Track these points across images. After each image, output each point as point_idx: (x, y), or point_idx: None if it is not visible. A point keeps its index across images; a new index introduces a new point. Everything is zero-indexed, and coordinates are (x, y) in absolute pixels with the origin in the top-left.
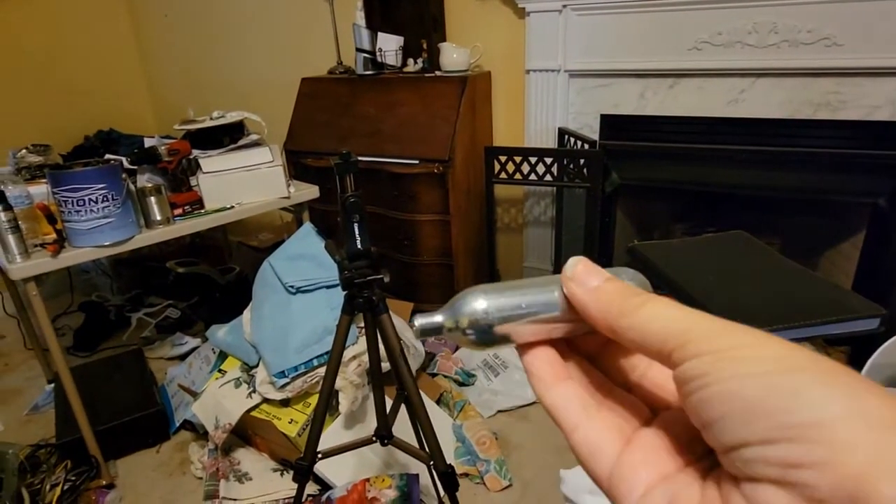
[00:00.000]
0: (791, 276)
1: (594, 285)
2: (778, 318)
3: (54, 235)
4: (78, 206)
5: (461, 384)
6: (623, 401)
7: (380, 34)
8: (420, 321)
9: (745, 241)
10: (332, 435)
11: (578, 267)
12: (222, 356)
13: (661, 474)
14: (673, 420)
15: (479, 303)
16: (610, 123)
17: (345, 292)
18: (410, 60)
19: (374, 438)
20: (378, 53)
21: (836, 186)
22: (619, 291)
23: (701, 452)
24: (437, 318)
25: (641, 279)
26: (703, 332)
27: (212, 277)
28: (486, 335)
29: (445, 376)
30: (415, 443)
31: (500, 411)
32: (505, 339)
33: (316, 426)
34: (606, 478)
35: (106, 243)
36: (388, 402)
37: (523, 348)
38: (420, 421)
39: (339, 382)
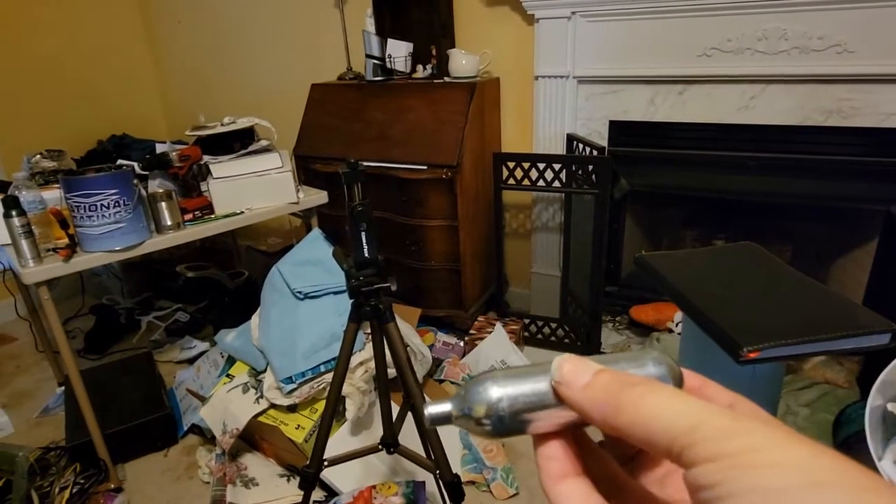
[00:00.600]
0: (801, 289)
1: (584, 382)
2: (788, 333)
3: (66, 240)
4: (90, 211)
5: None
6: (634, 500)
7: (389, 40)
8: (430, 410)
9: (754, 253)
10: (339, 441)
11: (565, 367)
12: (230, 361)
13: None
14: None
15: (493, 391)
16: (619, 129)
17: (352, 300)
18: (420, 66)
19: (380, 447)
20: (387, 59)
21: (848, 193)
22: (612, 385)
23: None
24: (448, 407)
25: (667, 366)
26: (714, 431)
27: (221, 282)
28: (501, 425)
29: (453, 382)
30: (421, 451)
31: None
32: (519, 430)
33: (322, 433)
34: None
35: (117, 248)
36: (395, 409)
37: (537, 439)
38: (426, 431)
39: (345, 388)
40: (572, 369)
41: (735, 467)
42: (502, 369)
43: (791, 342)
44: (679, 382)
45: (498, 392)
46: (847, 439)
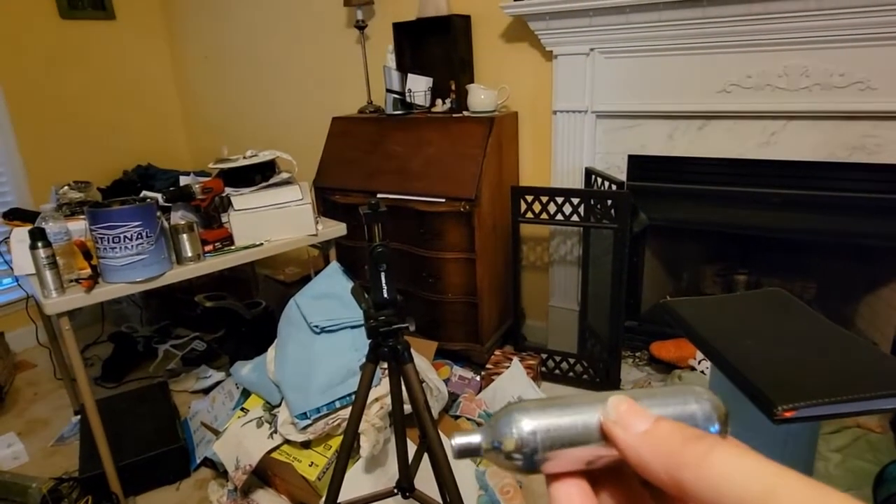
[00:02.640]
0: (835, 341)
1: (643, 429)
2: (825, 390)
3: (89, 271)
4: (113, 242)
5: None
6: None
7: (409, 75)
8: (458, 441)
9: (783, 300)
10: (353, 478)
11: (622, 407)
12: (245, 393)
13: None
14: None
15: (525, 423)
16: (638, 164)
17: (370, 340)
18: (439, 101)
19: (395, 490)
20: (407, 94)
21: (874, 231)
22: (676, 436)
23: None
24: (477, 440)
25: (712, 403)
26: (792, 499)
27: (238, 312)
28: (532, 460)
29: (468, 419)
30: (437, 493)
31: None
32: (544, 465)
33: (337, 477)
34: None
35: (138, 279)
36: (410, 445)
37: (552, 477)
38: (443, 474)
39: (361, 426)
40: (631, 411)
41: None
42: (532, 400)
43: (829, 401)
44: (725, 421)
45: (531, 425)
46: (889, 498)
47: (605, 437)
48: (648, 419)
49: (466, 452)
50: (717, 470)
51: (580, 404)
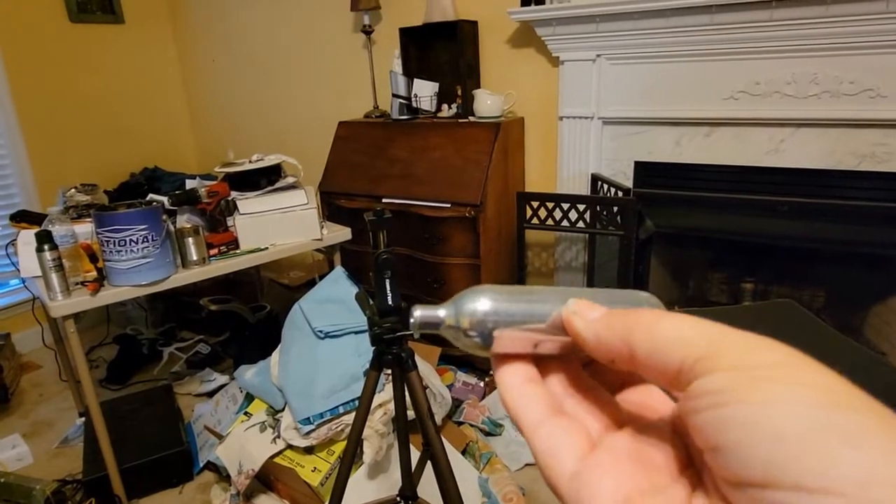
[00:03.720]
0: (847, 357)
1: (597, 315)
2: None
3: (95, 273)
4: (119, 246)
5: (488, 434)
6: (599, 401)
7: (416, 80)
8: (420, 313)
9: (794, 313)
10: (355, 484)
11: (581, 303)
12: (249, 398)
13: (631, 487)
14: (653, 428)
15: (483, 303)
16: (644, 170)
17: (374, 348)
18: (445, 106)
19: (398, 499)
20: (413, 99)
21: (883, 240)
22: (629, 313)
23: (681, 469)
24: (440, 313)
25: (662, 306)
26: (736, 345)
27: (243, 315)
28: (489, 337)
29: (472, 425)
30: (439, 501)
31: (527, 464)
32: (496, 343)
33: (340, 483)
34: (566, 484)
35: (143, 283)
36: (413, 452)
37: (500, 359)
38: (446, 482)
39: (364, 431)
40: (589, 305)
41: (755, 379)
42: (498, 286)
43: None
44: None
45: (491, 305)
46: None
47: (560, 328)
48: (603, 310)
49: (427, 325)
50: (665, 332)
51: (542, 294)
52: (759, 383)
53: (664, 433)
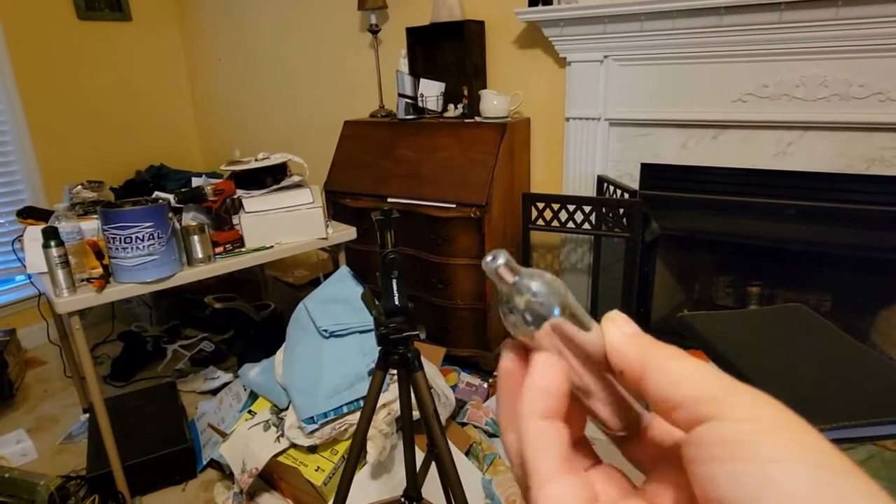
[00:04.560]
0: (858, 361)
1: (631, 331)
2: (846, 413)
3: (101, 270)
4: (125, 243)
5: (491, 435)
6: (616, 478)
7: (422, 80)
8: (497, 263)
9: (804, 317)
10: (359, 484)
11: (621, 315)
12: (253, 396)
13: None
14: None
15: (559, 285)
16: (651, 172)
17: (380, 348)
18: (451, 106)
19: (402, 500)
20: (419, 98)
21: (892, 244)
22: (655, 343)
23: None
24: (509, 279)
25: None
26: (745, 398)
27: (247, 314)
28: (539, 322)
29: (475, 426)
30: (444, 502)
31: None
32: (542, 330)
33: (345, 482)
34: None
35: (149, 280)
36: (418, 452)
37: (539, 403)
38: (451, 484)
39: (368, 431)
40: (625, 319)
41: (762, 433)
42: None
43: (852, 424)
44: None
45: (563, 292)
46: None
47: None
48: (637, 329)
49: (494, 276)
50: (682, 367)
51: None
52: (771, 439)
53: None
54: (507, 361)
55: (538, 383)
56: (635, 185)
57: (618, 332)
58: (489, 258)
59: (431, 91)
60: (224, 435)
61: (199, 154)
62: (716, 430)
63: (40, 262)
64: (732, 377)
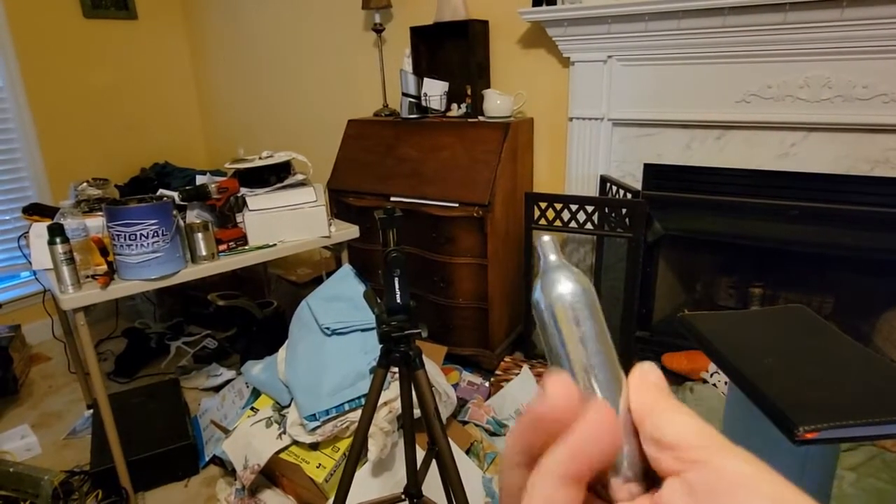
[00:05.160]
0: (859, 361)
1: (654, 380)
2: (847, 413)
3: (105, 267)
4: (130, 240)
5: (492, 434)
6: None
7: (425, 79)
8: (549, 239)
9: (806, 318)
10: (360, 481)
11: (653, 366)
12: (256, 393)
13: None
14: None
15: (567, 288)
16: (654, 172)
17: (381, 345)
18: (454, 105)
19: (403, 497)
20: (423, 98)
21: (895, 246)
22: (666, 396)
23: None
24: (550, 276)
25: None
26: (735, 450)
27: (250, 311)
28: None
29: (477, 425)
30: (444, 500)
31: None
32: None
33: (346, 480)
34: None
35: (153, 277)
36: (419, 450)
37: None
38: (451, 482)
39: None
40: (654, 367)
41: (736, 485)
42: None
43: (853, 423)
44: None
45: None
46: None
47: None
48: (661, 377)
49: (544, 259)
50: (683, 419)
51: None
52: (751, 488)
53: None
54: (556, 399)
55: (581, 447)
56: (638, 186)
57: (642, 377)
58: (545, 242)
59: (435, 90)
60: (226, 431)
61: (204, 152)
62: (706, 475)
63: (46, 259)
64: (719, 435)
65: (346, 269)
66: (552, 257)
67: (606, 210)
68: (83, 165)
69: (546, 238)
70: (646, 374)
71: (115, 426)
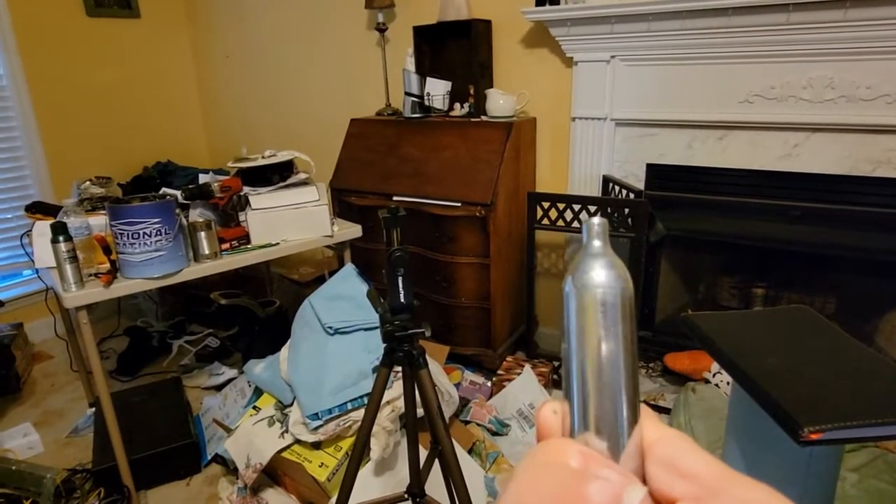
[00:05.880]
0: (863, 362)
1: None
2: (851, 413)
3: (108, 266)
4: (133, 238)
5: (494, 433)
6: None
7: (428, 79)
8: (599, 221)
9: (809, 318)
10: (362, 481)
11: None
12: (258, 392)
13: None
14: None
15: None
16: (656, 173)
17: (385, 345)
18: (457, 105)
19: (406, 496)
20: (426, 97)
21: None
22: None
23: None
24: (589, 262)
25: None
26: (747, 480)
27: (252, 310)
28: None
29: (479, 424)
30: (447, 500)
31: None
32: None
33: (349, 479)
34: None
35: (155, 275)
36: (421, 450)
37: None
38: (454, 481)
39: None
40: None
41: None
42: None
43: (857, 424)
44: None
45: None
46: None
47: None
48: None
49: (588, 243)
50: (694, 449)
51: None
52: None
53: None
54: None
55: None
56: (641, 186)
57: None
58: (592, 224)
59: (438, 90)
60: (229, 430)
61: (207, 151)
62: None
63: (48, 257)
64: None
65: (349, 268)
66: (597, 243)
67: (609, 210)
68: (86, 164)
69: (596, 220)
70: (650, 412)
71: (117, 424)
